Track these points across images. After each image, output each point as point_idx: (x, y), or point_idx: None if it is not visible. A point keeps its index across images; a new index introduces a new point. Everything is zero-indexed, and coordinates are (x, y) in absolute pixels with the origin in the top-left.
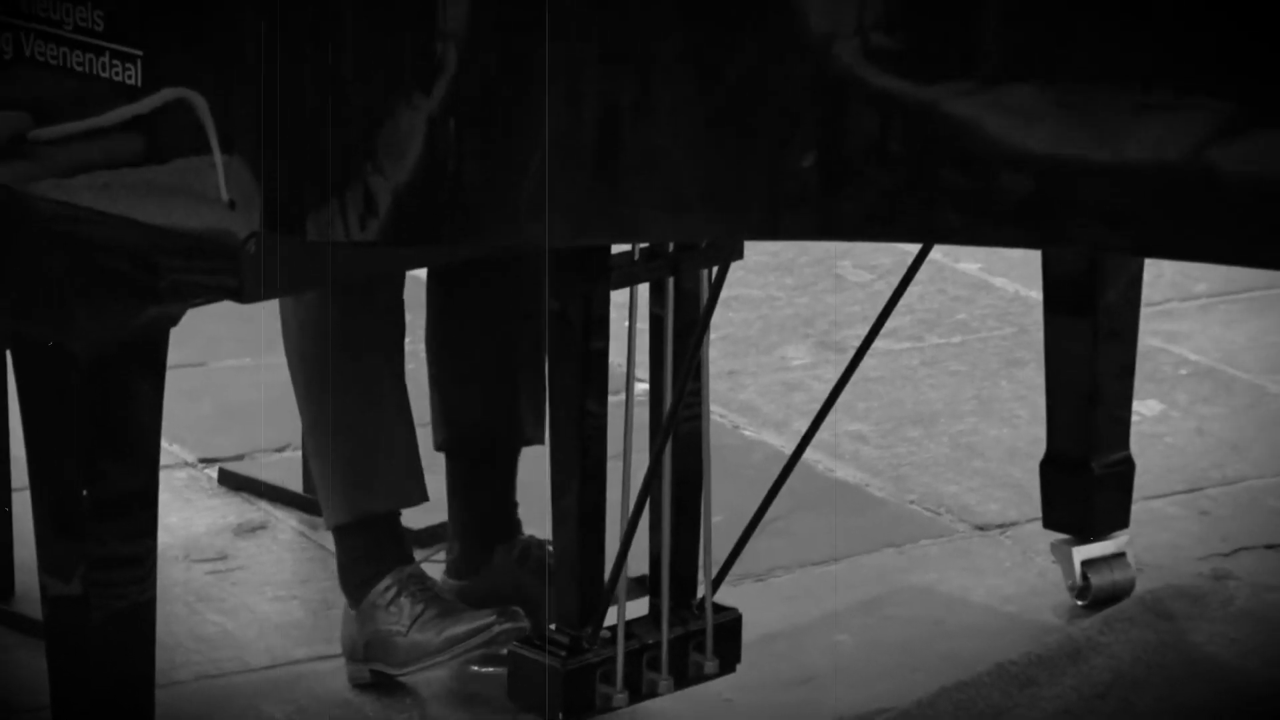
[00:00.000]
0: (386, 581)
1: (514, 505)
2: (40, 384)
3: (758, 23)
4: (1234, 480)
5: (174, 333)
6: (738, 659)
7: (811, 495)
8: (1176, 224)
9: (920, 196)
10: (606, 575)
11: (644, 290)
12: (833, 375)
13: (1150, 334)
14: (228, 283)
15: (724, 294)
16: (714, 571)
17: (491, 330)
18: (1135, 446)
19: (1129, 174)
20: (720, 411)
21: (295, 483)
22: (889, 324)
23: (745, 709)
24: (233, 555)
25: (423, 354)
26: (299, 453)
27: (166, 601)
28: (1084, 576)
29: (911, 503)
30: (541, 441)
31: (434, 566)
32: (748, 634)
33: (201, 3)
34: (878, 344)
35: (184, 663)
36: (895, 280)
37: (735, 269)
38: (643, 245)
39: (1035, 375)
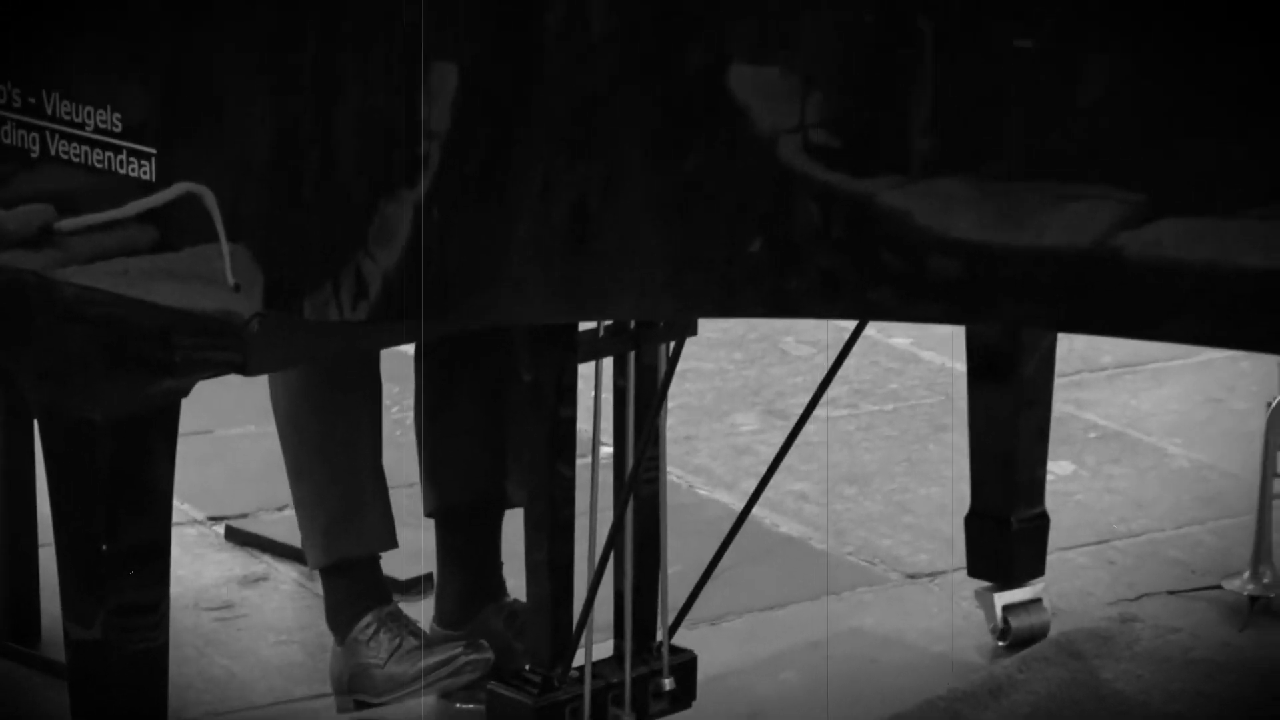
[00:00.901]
0: (367, 619)
1: (499, 566)
2: (65, 449)
3: (712, 121)
4: (1138, 533)
5: (185, 402)
6: (694, 696)
7: (759, 548)
8: (1088, 302)
9: (859, 277)
10: (575, 621)
11: (608, 363)
12: (778, 440)
13: (1063, 401)
14: (233, 358)
15: (680, 367)
16: (671, 617)
17: (477, 402)
18: (1050, 503)
19: (1047, 257)
20: (677, 473)
21: (295, 538)
22: (828, 393)
23: None
24: (238, 604)
25: (410, 422)
26: None
27: (178, 645)
28: (1004, 620)
29: (849, 554)
30: (523, 504)
31: (419, 608)
32: (702, 672)
33: (209, 107)
34: (818, 411)
35: (195, 701)
36: (834, 354)
37: (690, 344)
38: (607, 323)
39: (960, 439)
